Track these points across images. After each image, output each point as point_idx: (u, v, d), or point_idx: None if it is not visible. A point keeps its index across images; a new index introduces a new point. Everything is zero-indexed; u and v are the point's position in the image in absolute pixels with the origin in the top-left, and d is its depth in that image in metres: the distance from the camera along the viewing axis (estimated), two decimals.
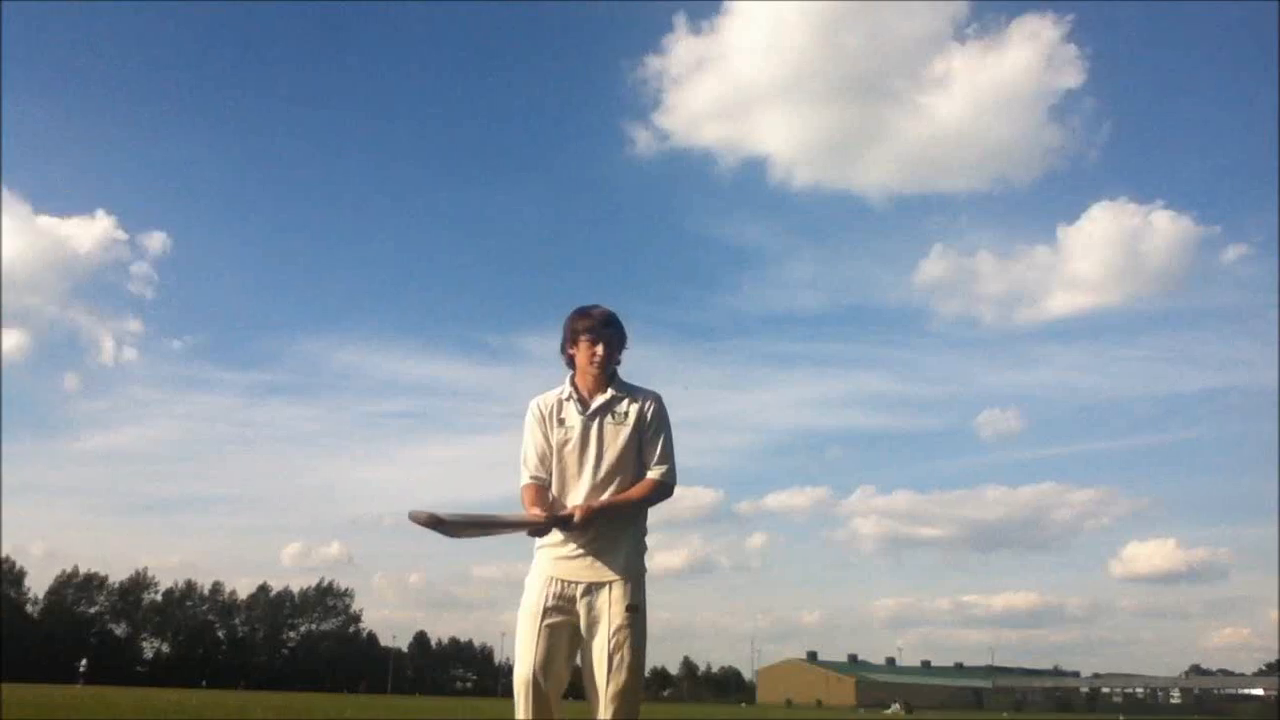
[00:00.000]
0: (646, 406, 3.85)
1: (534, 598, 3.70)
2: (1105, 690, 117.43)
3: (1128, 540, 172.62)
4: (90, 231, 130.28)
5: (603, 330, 3.85)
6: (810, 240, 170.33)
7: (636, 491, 3.76)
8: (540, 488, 3.82)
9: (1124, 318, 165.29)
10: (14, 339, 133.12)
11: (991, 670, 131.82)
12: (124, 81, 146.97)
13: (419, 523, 3.45)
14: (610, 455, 3.78)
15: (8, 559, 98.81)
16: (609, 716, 3.54)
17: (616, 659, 3.56)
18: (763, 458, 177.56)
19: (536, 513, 3.67)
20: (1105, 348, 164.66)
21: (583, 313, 3.90)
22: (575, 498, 3.75)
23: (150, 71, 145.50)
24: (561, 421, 3.85)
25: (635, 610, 3.64)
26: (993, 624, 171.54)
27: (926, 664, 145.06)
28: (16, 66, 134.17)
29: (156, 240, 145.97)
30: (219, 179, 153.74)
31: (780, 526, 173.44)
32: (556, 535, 3.70)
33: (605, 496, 3.73)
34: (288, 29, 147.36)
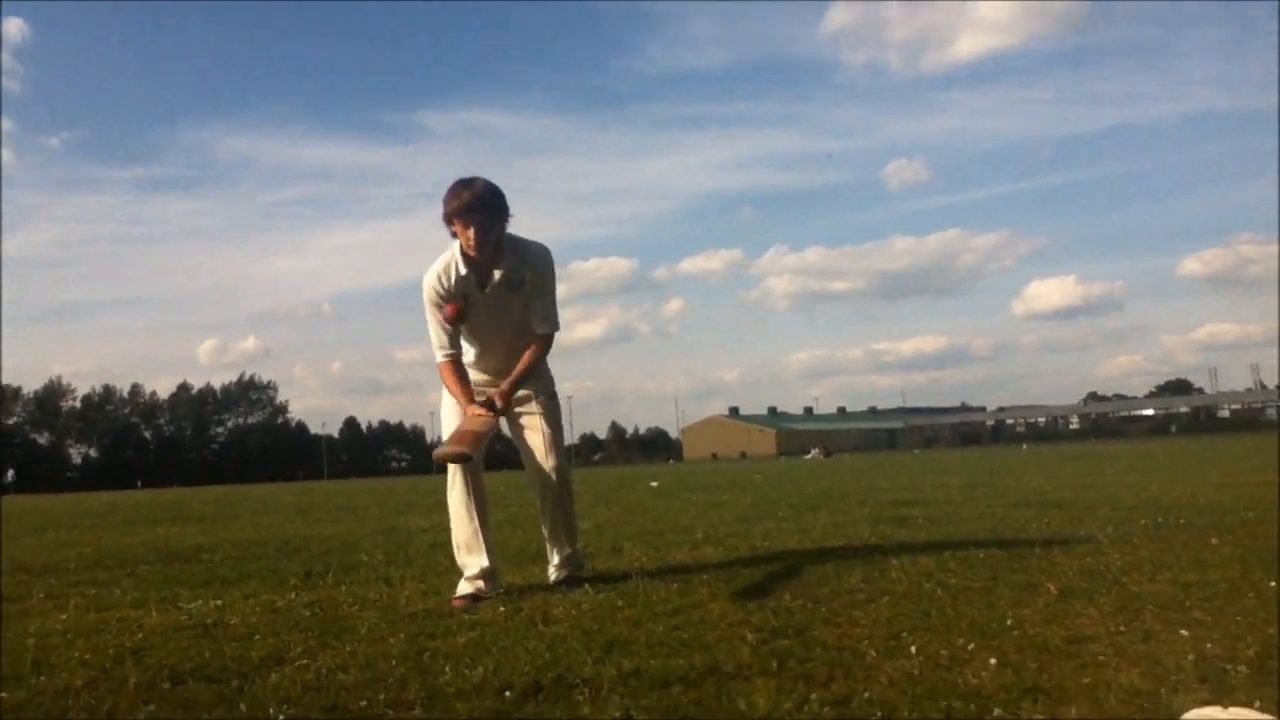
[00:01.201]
0: (539, 268, 3.99)
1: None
2: (1009, 422, 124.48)
3: (1030, 280, 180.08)
4: None
5: (473, 215, 3.79)
6: None
7: (531, 357, 4.03)
8: (455, 363, 4.05)
9: (1028, 59, 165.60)
10: None
11: (903, 411, 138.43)
12: None
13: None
14: (513, 320, 4.05)
15: None
16: (554, 486, 4.16)
17: (548, 441, 4.13)
18: (675, 224, 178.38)
19: (476, 410, 3.89)
20: (1009, 90, 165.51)
21: (455, 192, 3.81)
22: (489, 361, 4.17)
23: None
24: (465, 297, 3.98)
25: (554, 397, 4.23)
26: (903, 369, 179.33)
27: (842, 410, 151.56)
28: None
29: (13, 27, 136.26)
30: None
31: (696, 291, 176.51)
32: (480, 375, 4.19)
33: (509, 359, 4.06)
34: None
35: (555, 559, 4.26)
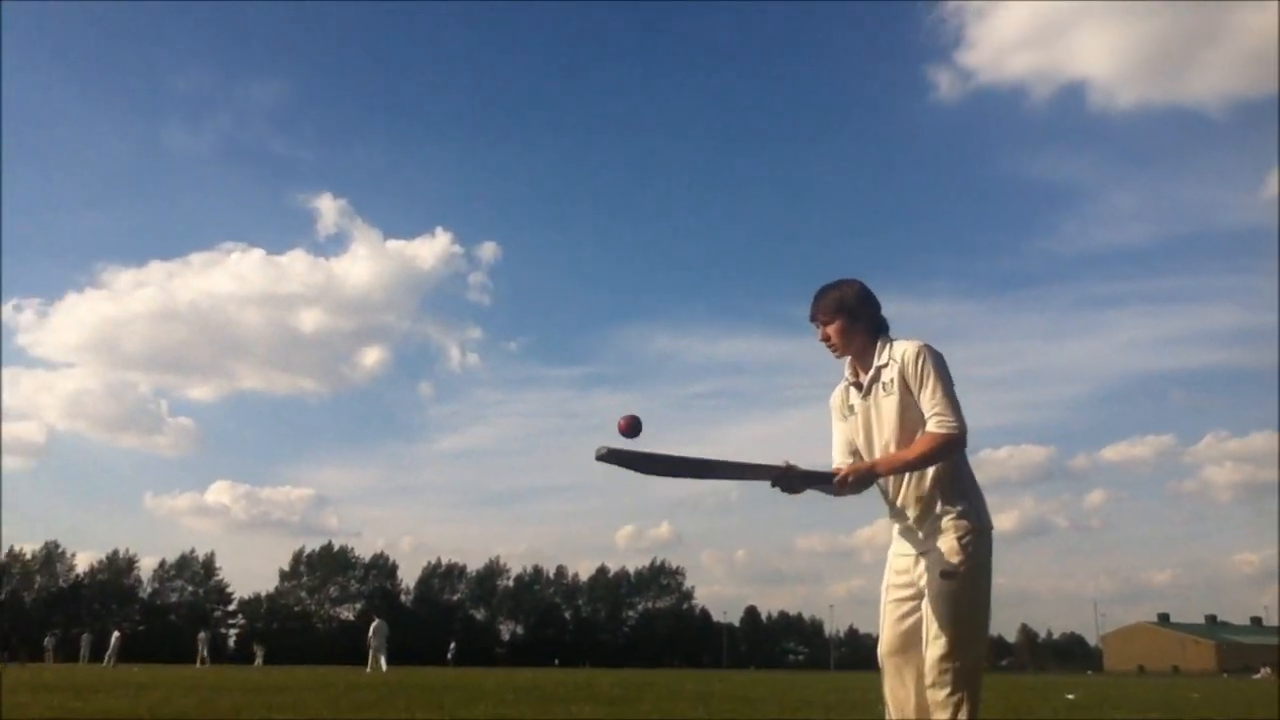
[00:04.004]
0: (905, 362, 3.64)
1: (885, 574, 3.76)
2: None
3: None
4: (432, 249, 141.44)
5: (815, 318, 3.86)
6: (1135, 167, 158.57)
7: (913, 449, 3.57)
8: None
9: None
10: (376, 355, 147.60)
11: None
12: (448, 110, 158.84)
13: (605, 459, 3.53)
14: (889, 427, 3.67)
15: (382, 554, 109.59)
16: (928, 690, 3.47)
17: (932, 630, 3.46)
18: (1096, 408, 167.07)
19: (785, 463, 3.63)
20: None
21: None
22: (889, 491, 3.74)
23: (469, 97, 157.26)
24: (851, 409, 3.83)
25: (950, 576, 3.46)
26: None
27: None
28: (365, 115, 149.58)
29: (488, 250, 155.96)
30: (535, 186, 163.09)
31: (1121, 481, 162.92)
32: (891, 510, 3.75)
33: (905, 488, 3.66)
34: (570, 36, 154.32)
35: None
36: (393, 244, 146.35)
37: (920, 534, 3.62)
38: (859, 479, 3.61)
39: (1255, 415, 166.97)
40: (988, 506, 3.67)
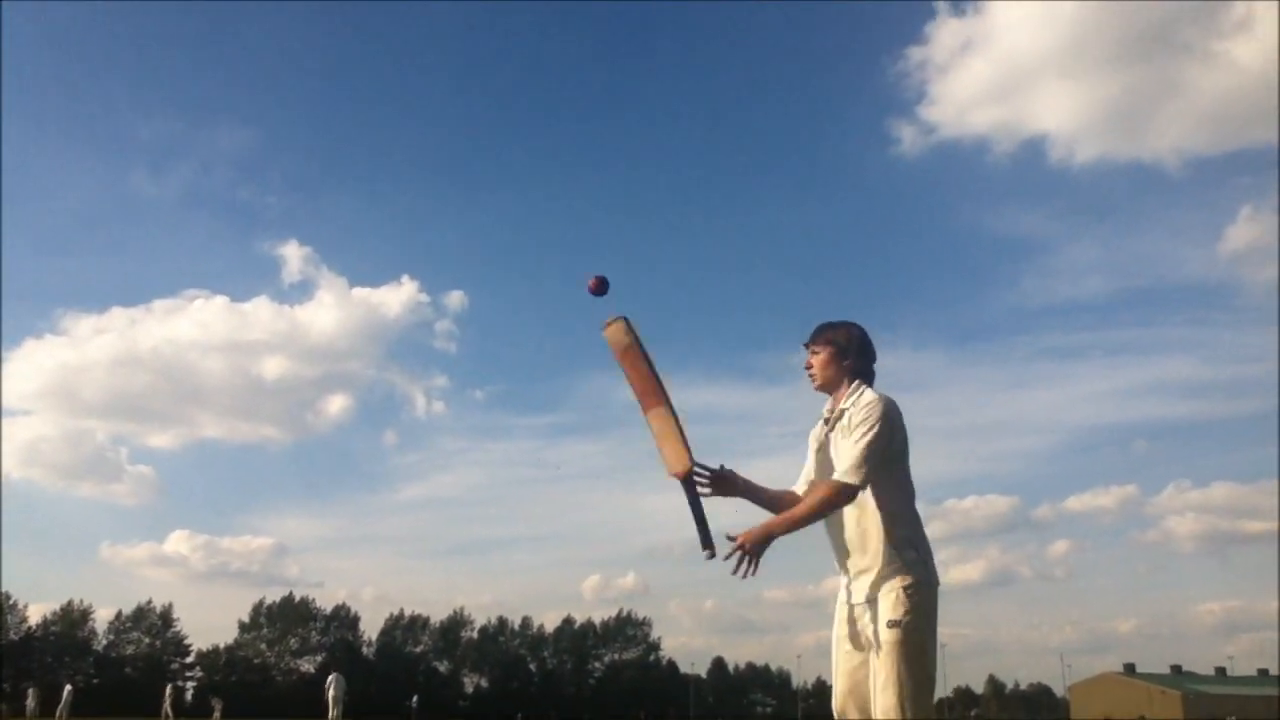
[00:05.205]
0: (853, 408, 3.71)
1: (834, 625, 3.77)
2: None
3: None
4: (398, 296, 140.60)
5: (809, 343, 3.93)
6: (1095, 221, 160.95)
7: (804, 502, 3.68)
8: (789, 493, 3.94)
9: None
10: (340, 403, 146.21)
11: None
12: (416, 159, 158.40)
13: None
14: (836, 466, 3.73)
15: (344, 605, 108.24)
16: None
17: (880, 680, 3.45)
18: (1059, 459, 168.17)
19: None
20: None
21: None
22: (833, 531, 3.78)
23: (437, 146, 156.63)
24: (821, 444, 3.91)
25: (895, 626, 3.47)
26: None
27: (1264, 673, 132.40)
28: (332, 162, 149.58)
29: (455, 298, 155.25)
30: (502, 235, 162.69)
31: (1085, 531, 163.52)
32: (838, 560, 3.79)
33: (847, 527, 3.70)
34: (538, 85, 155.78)
35: None
36: (358, 291, 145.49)
37: (866, 585, 3.61)
38: (756, 543, 3.58)
39: (1216, 466, 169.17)
40: (934, 558, 3.67)
